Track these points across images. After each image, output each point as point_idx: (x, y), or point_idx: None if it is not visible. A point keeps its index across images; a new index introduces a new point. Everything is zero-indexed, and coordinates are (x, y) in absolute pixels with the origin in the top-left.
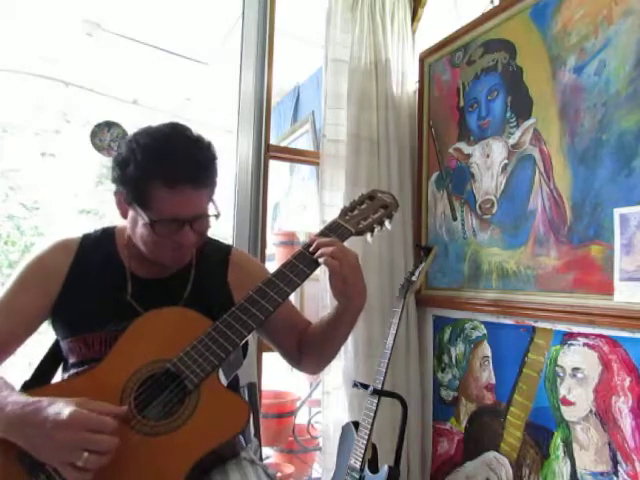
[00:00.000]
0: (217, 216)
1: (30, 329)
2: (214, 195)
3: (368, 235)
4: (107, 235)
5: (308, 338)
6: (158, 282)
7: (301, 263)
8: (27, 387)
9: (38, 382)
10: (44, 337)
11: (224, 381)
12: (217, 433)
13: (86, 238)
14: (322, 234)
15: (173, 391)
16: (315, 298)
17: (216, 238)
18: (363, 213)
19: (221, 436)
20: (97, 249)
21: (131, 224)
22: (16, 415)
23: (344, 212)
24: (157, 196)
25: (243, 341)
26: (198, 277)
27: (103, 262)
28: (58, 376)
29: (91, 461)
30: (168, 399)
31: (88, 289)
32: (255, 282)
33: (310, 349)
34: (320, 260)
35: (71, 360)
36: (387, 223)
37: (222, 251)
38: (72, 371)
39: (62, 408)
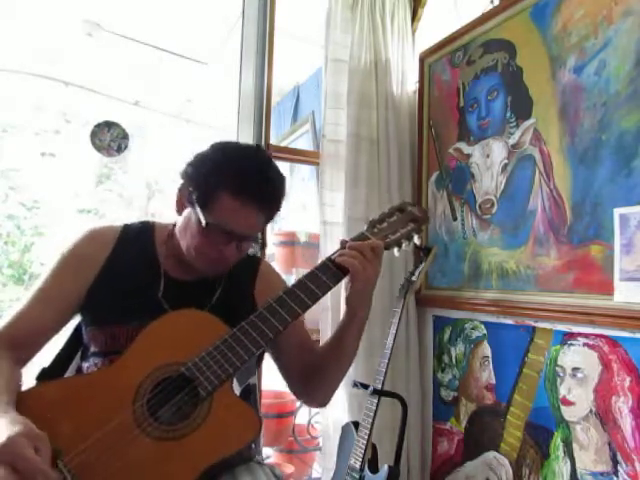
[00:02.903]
0: (263, 245)
1: (67, 316)
2: (266, 226)
3: (395, 249)
4: (146, 229)
5: (315, 359)
6: (190, 284)
7: (324, 275)
8: (45, 374)
9: (56, 370)
10: None
11: (237, 387)
12: (227, 444)
13: (126, 230)
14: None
15: (186, 395)
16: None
17: None
18: (392, 227)
19: (230, 447)
20: (135, 243)
21: (184, 222)
22: None
23: (372, 224)
24: (220, 202)
25: (260, 350)
26: (228, 284)
27: (139, 257)
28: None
29: None
30: (181, 403)
31: (121, 282)
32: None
33: (316, 372)
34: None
35: (92, 349)
36: (416, 238)
37: (253, 261)
38: (91, 360)
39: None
